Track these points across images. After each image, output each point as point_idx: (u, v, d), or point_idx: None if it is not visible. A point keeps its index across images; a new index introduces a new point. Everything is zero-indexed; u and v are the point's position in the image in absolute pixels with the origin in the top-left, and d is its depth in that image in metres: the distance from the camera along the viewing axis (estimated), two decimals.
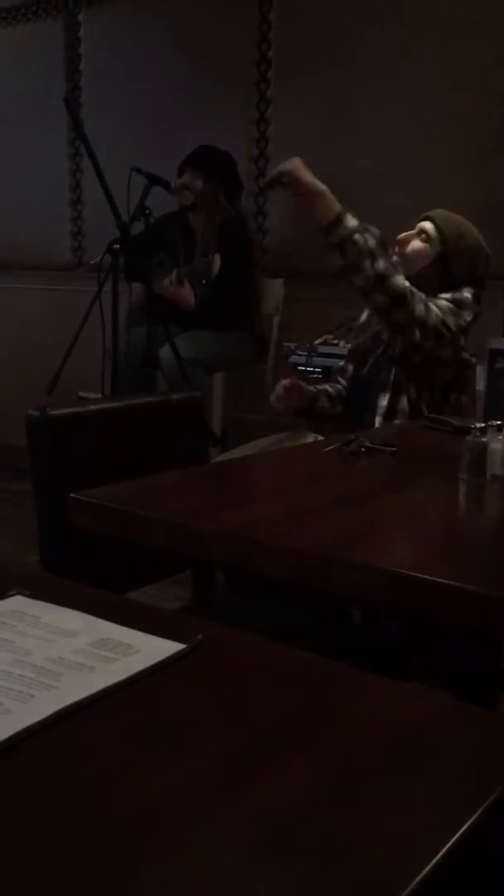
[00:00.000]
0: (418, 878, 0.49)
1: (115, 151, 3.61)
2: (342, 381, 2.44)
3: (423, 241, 2.28)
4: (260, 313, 3.75)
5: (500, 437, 1.44)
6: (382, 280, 2.07)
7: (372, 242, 2.06)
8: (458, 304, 2.20)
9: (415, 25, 3.51)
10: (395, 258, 2.24)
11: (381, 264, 2.07)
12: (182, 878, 0.50)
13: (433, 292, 2.23)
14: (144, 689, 0.71)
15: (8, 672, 0.71)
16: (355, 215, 2.10)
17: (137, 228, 3.33)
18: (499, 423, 1.46)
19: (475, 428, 1.44)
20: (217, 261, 3.43)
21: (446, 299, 2.20)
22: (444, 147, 3.46)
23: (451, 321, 2.16)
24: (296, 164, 2.11)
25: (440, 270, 2.27)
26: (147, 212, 3.31)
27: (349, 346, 2.61)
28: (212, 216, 3.63)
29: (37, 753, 0.61)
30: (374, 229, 2.09)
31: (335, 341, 3.21)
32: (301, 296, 3.76)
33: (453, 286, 2.26)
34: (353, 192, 3.64)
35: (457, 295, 2.21)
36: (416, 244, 2.29)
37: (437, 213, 2.32)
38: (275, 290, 3.83)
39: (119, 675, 0.71)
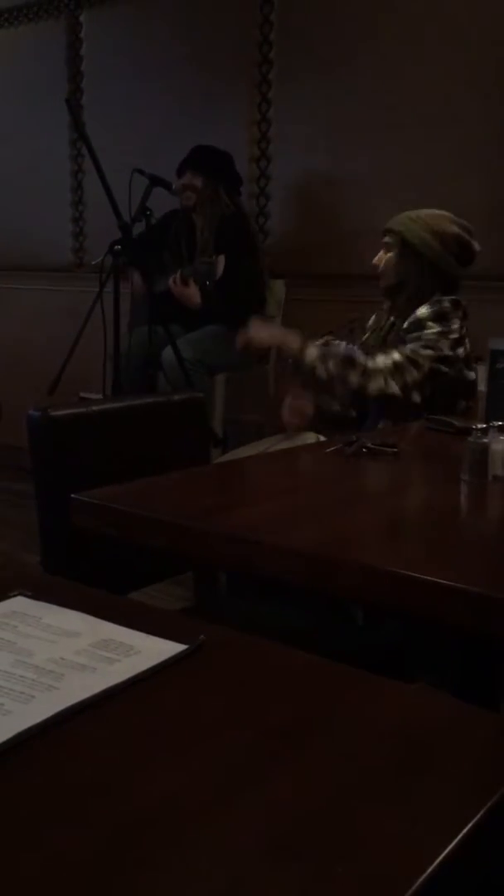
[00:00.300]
0: (421, 878, 0.48)
1: (116, 152, 3.61)
2: None
3: (387, 250, 2.33)
4: (264, 312, 3.74)
5: (502, 438, 1.43)
6: (360, 392, 2.16)
7: (332, 368, 2.15)
8: (441, 317, 2.19)
9: (417, 26, 3.51)
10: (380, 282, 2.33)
11: (352, 381, 2.15)
12: (185, 879, 0.50)
13: (426, 295, 2.24)
14: (146, 691, 0.71)
15: (9, 673, 0.71)
16: (315, 343, 2.20)
17: (139, 229, 3.33)
18: (500, 423, 1.46)
19: (476, 429, 1.44)
20: (221, 261, 3.43)
21: (425, 318, 2.19)
22: (446, 148, 3.46)
23: (444, 346, 2.17)
24: (251, 333, 2.36)
25: (426, 272, 2.27)
26: (148, 213, 3.32)
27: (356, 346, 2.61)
28: (213, 213, 3.63)
29: (38, 755, 0.61)
30: (335, 349, 2.18)
31: (336, 342, 3.20)
32: (302, 297, 3.76)
33: (448, 284, 2.27)
34: (355, 193, 3.67)
35: (434, 308, 2.21)
36: (384, 256, 2.33)
37: (392, 219, 2.36)
38: (276, 290, 3.83)
39: (120, 676, 0.71)
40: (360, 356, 2.17)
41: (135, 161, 3.34)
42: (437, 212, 2.32)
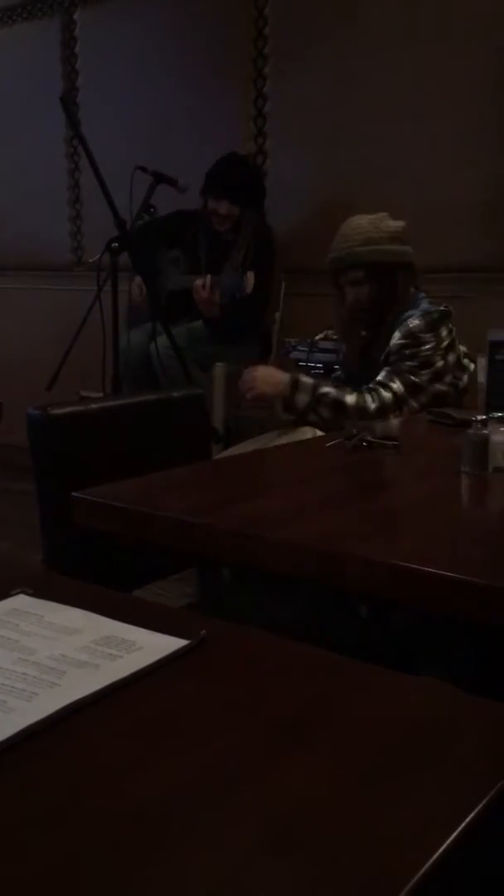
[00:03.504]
0: (424, 869, 0.48)
1: (112, 149, 3.60)
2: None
3: (355, 284, 2.27)
4: (261, 326, 3.75)
5: (502, 430, 1.43)
6: (362, 413, 2.11)
7: (325, 414, 2.13)
8: (432, 327, 2.17)
9: (413, 19, 3.49)
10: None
11: (347, 426, 2.07)
12: (187, 871, 0.50)
13: (406, 296, 2.24)
14: (148, 686, 0.71)
15: (11, 670, 0.71)
16: (306, 383, 2.15)
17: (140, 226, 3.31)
18: (500, 415, 1.46)
19: (476, 420, 1.43)
20: (251, 279, 3.40)
21: (419, 331, 2.16)
22: (445, 141, 3.45)
23: (437, 359, 2.16)
24: (257, 385, 2.24)
25: (401, 278, 2.26)
26: (152, 209, 3.30)
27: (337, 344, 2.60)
28: (249, 237, 3.63)
29: (40, 751, 0.61)
30: (326, 395, 2.12)
31: (336, 337, 3.21)
32: (302, 291, 3.75)
33: (413, 271, 2.27)
34: (352, 187, 3.66)
35: (426, 319, 2.17)
36: (354, 293, 2.27)
37: (338, 250, 2.28)
38: (275, 285, 3.82)
39: (122, 672, 0.71)
40: (350, 399, 2.12)
41: (131, 158, 3.33)
42: (367, 218, 2.29)
